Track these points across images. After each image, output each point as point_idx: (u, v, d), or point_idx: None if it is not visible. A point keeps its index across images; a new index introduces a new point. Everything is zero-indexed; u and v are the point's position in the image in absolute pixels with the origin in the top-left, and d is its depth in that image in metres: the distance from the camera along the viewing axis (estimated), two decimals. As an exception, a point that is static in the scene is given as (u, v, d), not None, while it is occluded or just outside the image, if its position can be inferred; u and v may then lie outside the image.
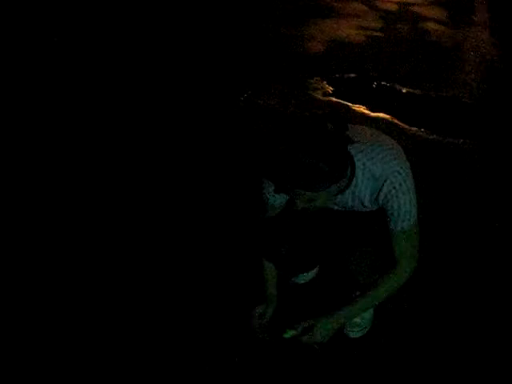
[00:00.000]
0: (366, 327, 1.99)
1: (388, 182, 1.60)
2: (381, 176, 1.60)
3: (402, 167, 1.62)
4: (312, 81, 3.44)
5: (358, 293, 2.01)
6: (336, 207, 1.75)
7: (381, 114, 3.07)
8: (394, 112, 3.08)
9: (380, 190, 1.61)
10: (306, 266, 2.12)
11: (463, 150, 2.80)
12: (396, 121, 2.97)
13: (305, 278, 2.17)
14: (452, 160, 2.74)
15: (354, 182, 1.58)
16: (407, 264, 1.70)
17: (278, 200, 1.78)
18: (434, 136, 2.87)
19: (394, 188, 1.60)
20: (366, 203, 1.68)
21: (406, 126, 2.93)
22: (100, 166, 2.59)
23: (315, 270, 2.21)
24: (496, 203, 2.50)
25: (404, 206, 1.62)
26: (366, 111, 3.12)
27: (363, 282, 1.88)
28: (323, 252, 2.07)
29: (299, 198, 1.56)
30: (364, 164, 1.58)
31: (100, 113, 2.91)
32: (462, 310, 2.04)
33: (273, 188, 1.64)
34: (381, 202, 1.64)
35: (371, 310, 2.00)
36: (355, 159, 1.54)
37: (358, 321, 1.97)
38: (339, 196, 1.62)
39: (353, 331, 1.99)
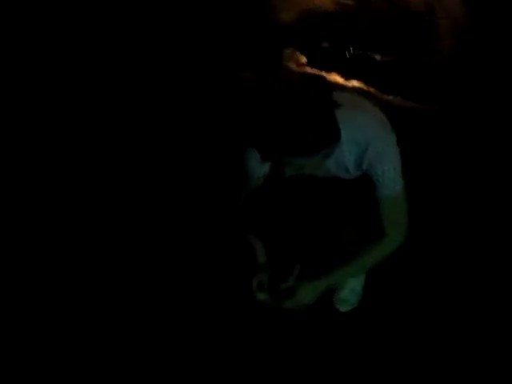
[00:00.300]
0: (355, 302, 2.00)
1: (372, 147, 1.58)
2: (365, 141, 1.57)
3: (386, 133, 1.60)
4: (286, 51, 3.40)
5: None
6: (320, 174, 1.73)
7: (356, 83, 3.05)
8: (369, 80, 3.05)
9: (364, 155, 1.60)
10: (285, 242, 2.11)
11: (439, 117, 2.80)
12: (372, 89, 2.95)
13: None
14: (429, 127, 2.75)
15: (339, 148, 1.55)
16: (395, 232, 1.70)
17: (262, 170, 1.75)
18: (410, 103, 2.87)
19: (378, 154, 1.58)
20: (350, 169, 1.67)
21: (382, 94, 2.92)
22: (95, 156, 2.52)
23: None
24: (473, 168, 2.53)
25: (388, 172, 1.61)
26: (342, 80, 3.10)
27: (353, 251, 1.87)
28: (309, 230, 2.06)
29: (288, 166, 1.54)
30: (348, 129, 1.55)
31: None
32: (452, 283, 2.07)
33: (257, 158, 1.61)
34: (365, 167, 1.63)
35: (362, 281, 2.00)
36: (339, 124, 1.50)
37: (348, 296, 1.98)
38: (325, 163, 1.59)
39: (342, 306, 2.00)
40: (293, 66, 3.16)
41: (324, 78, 1.60)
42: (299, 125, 1.39)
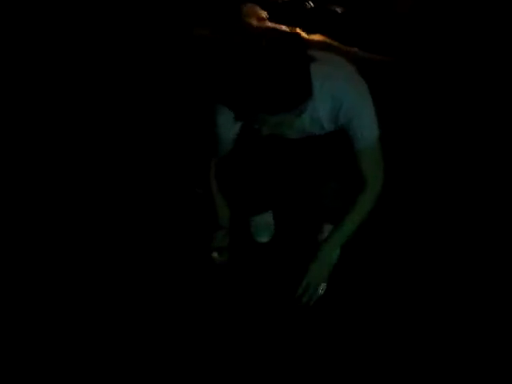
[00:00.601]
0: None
1: (347, 101, 1.57)
2: (340, 96, 1.57)
3: (360, 86, 1.60)
4: (245, 7, 3.30)
5: (327, 225, 2.03)
6: (294, 134, 1.70)
7: (319, 37, 2.99)
8: (331, 33, 3.00)
9: (339, 109, 1.58)
10: (263, 203, 2.08)
11: (405, 68, 2.79)
12: (335, 42, 2.91)
13: (265, 231, 2.16)
14: (395, 78, 2.74)
15: (312, 104, 1.53)
16: (376, 180, 1.71)
17: (233, 131, 1.72)
18: (375, 55, 2.84)
19: (354, 107, 1.57)
20: (326, 125, 1.65)
21: (346, 47, 2.88)
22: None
23: (272, 227, 2.19)
24: (435, 118, 2.56)
25: (365, 124, 1.61)
26: (304, 34, 3.03)
27: (333, 209, 1.90)
28: (282, 187, 2.05)
29: (264, 124, 1.50)
30: (322, 84, 1.53)
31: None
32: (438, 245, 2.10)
33: (228, 118, 1.58)
34: (341, 122, 1.61)
35: None
36: (314, 79, 1.48)
37: None
38: (298, 120, 1.57)
39: None
40: (253, 21, 3.07)
41: (299, 34, 1.56)
42: (276, 81, 1.36)
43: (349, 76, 1.61)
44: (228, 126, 1.70)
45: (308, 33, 2.98)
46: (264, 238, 2.15)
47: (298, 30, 2.95)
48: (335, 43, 2.85)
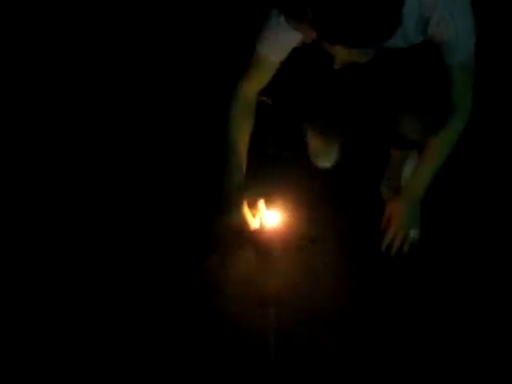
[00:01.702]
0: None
1: (440, 5, 1.27)
2: (430, 1, 1.28)
3: None
4: None
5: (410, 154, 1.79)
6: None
7: None
8: None
9: (430, 17, 1.29)
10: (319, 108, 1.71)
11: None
12: None
13: (327, 158, 1.90)
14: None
15: None
16: (469, 101, 1.43)
17: (282, 54, 1.45)
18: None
19: (448, 12, 1.28)
20: (410, 36, 1.37)
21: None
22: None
23: (337, 154, 1.91)
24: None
25: (462, 32, 1.31)
26: None
27: (416, 139, 1.59)
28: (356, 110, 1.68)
29: (340, 54, 1.23)
30: None
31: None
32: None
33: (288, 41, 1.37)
34: (431, 32, 1.32)
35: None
36: None
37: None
38: None
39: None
40: None
41: None
42: (366, 11, 1.07)
43: None
44: (282, 50, 1.43)
45: None
46: (326, 163, 1.86)
47: None
48: None
